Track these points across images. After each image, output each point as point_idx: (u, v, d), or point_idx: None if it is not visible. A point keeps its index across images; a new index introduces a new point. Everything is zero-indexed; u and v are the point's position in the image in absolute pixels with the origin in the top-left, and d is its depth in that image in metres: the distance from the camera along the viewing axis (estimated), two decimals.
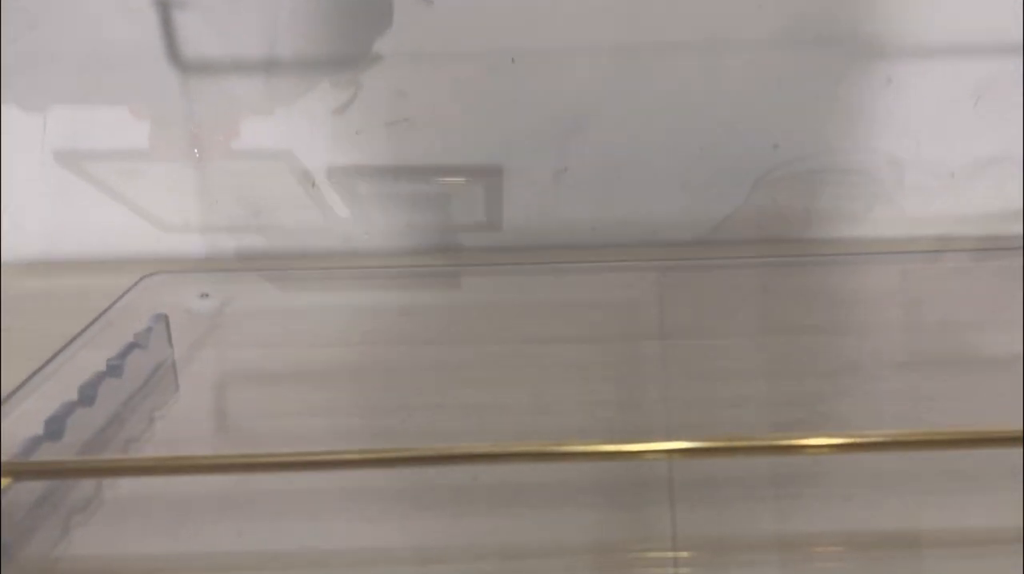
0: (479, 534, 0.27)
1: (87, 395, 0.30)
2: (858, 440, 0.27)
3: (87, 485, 0.28)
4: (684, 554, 0.26)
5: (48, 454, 0.28)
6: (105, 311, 0.41)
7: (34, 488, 0.27)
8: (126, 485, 0.29)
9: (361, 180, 0.50)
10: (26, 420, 0.31)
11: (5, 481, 0.25)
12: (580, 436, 0.32)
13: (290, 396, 0.36)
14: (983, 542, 0.27)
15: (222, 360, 0.40)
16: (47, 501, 0.28)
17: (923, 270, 0.47)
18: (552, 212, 0.53)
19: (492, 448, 0.26)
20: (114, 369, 0.32)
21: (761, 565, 0.26)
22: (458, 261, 0.50)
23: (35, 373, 0.35)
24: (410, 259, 0.51)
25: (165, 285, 0.46)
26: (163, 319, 0.37)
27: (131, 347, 0.34)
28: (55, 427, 0.28)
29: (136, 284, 0.45)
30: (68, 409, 0.29)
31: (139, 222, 0.52)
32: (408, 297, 0.46)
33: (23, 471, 0.26)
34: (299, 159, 0.50)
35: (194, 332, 0.41)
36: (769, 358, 0.38)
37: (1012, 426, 0.26)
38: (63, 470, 0.27)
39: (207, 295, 0.44)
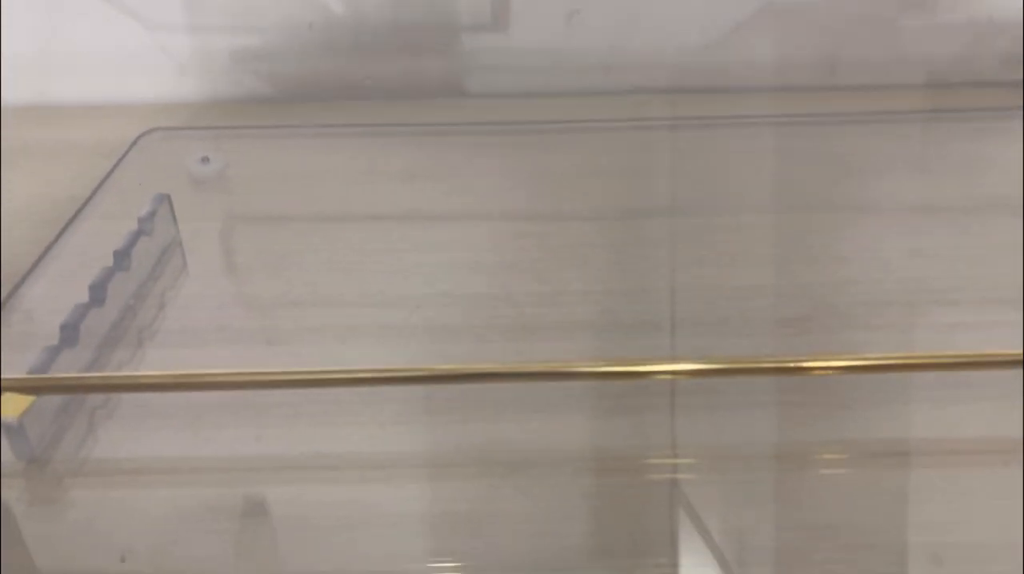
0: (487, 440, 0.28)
1: (98, 295, 0.30)
2: (862, 362, 0.27)
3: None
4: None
5: (67, 360, 0.28)
6: (106, 177, 0.41)
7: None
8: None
9: None
10: (40, 314, 0.32)
11: (28, 399, 0.26)
12: (582, 327, 0.33)
13: (299, 276, 0.36)
14: (981, 451, 0.28)
15: (228, 235, 0.39)
16: (71, 405, 0.29)
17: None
18: (563, 56, 0.51)
19: (502, 368, 0.27)
20: (122, 262, 0.32)
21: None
22: (462, 116, 0.48)
23: (40, 258, 0.35)
24: (412, 107, 0.50)
25: (164, 144, 0.45)
26: (165, 199, 0.36)
27: (136, 235, 0.34)
28: (70, 334, 0.29)
29: (135, 143, 0.44)
30: (81, 312, 0.29)
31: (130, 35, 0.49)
32: (409, 159, 0.44)
33: (43, 387, 0.27)
34: None
35: (198, 202, 0.41)
36: (779, 239, 0.38)
37: (1013, 350, 0.26)
38: (82, 386, 0.28)
39: (208, 159, 0.43)
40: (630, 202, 0.41)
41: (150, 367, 0.31)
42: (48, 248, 0.35)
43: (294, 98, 0.51)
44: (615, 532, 0.25)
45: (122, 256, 0.33)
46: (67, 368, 0.28)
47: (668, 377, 0.27)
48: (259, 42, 0.50)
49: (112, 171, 0.41)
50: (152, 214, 0.35)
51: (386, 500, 0.27)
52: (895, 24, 0.49)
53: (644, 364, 0.27)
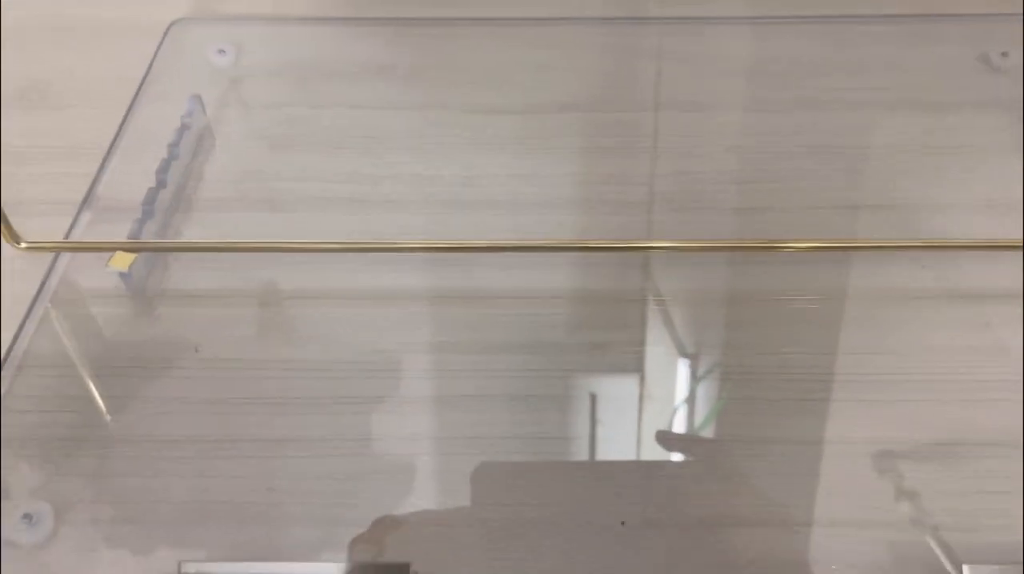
0: None
1: (161, 179, 0.46)
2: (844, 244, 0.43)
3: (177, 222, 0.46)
4: None
5: (148, 228, 0.44)
6: (148, 71, 0.55)
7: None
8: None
9: None
10: (121, 193, 0.47)
11: (131, 256, 0.42)
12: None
13: (295, 155, 0.51)
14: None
15: (245, 119, 0.54)
16: (155, 257, 0.45)
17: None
18: None
19: (509, 243, 0.42)
20: (173, 152, 0.47)
21: None
22: (460, 11, 0.60)
23: (112, 146, 0.50)
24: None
25: (189, 32, 0.58)
26: (198, 99, 0.51)
27: (181, 130, 0.49)
28: (148, 209, 0.44)
29: (166, 36, 0.57)
30: (152, 194, 0.45)
31: None
32: (396, 55, 0.57)
33: (138, 248, 0.43)
34: None
35: (219, 92, 0.55)
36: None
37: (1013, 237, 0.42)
38: (162, 247, 0.44)
39: (224, 51, 0.56)
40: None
41: (197, 226, 0.47)
42: (116, 135, 0.50)
43: None
44: None
45: (173, 147, 0.47)
46: (149, 234, 0.44)
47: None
48: None
49: (151, 63, 0.55)
50: (190, 112, 0.50)
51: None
52: None
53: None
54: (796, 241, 0.42)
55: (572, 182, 0.49)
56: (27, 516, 0.35)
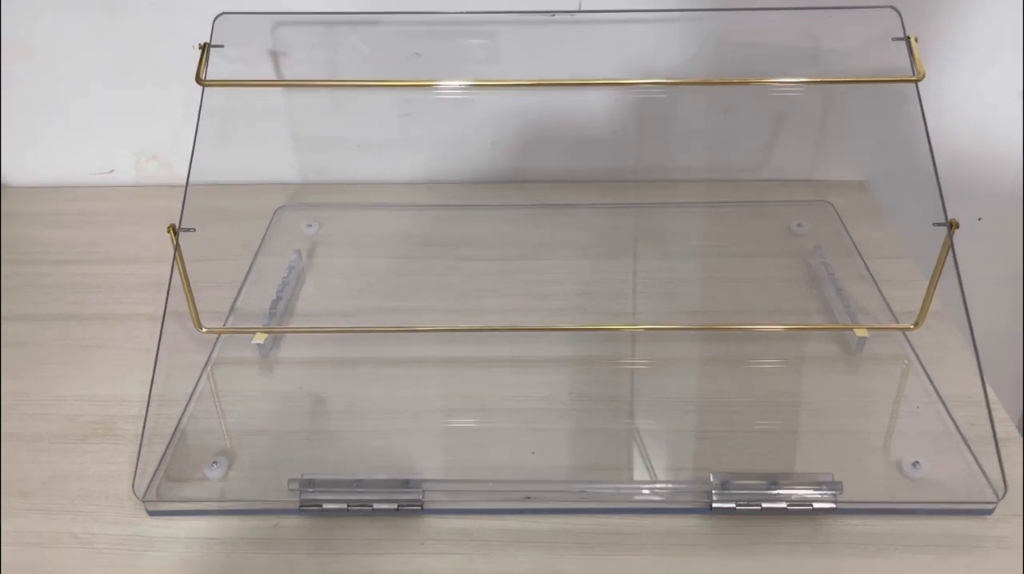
0: None
1: (279, 296, 0.77)
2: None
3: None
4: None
5: (272, 321, 0.75)
6: (263, 241, 0.87)
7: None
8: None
9: None
10: (252, 308, 0.78)
11: (263, 336, 0.72)
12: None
13: (354, 299, 0.82)
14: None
15: (324, 269, 0.86)
16: (276, 338, 0.75)
17: None
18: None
19: (515, 324, 0.73)
20: (284, 284, 0.79)
21: None
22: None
23: (242, 285, 0.81)
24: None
25: (288, 216, 0.91)
26: (299, 253, 0.83)
27: (290, 270, 0.80)
28: (273, 313, 0.75)
29: (273, 217, 0.91)
30: (272, 308, 0.76)
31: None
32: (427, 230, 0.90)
33: (269, 332, 0.73)
34: None
35: (309, 249, 0.87)
36: None
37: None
38: (281, 332, 0.75)
39: (311, 225, 0.89)
40: None
41: (298, 322, 0.77)
42: (247, 273, 0.82)
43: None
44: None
45: (284, 282, 0.79)
46: (273, 325, 0.75)
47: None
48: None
49: (265, 234, 0.88)
50: (296, 261, 0.82)
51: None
52: None
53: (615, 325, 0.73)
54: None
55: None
56: (214, 462, 0.63)
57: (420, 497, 0.59)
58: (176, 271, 0.67)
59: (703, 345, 0.74)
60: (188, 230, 0.67)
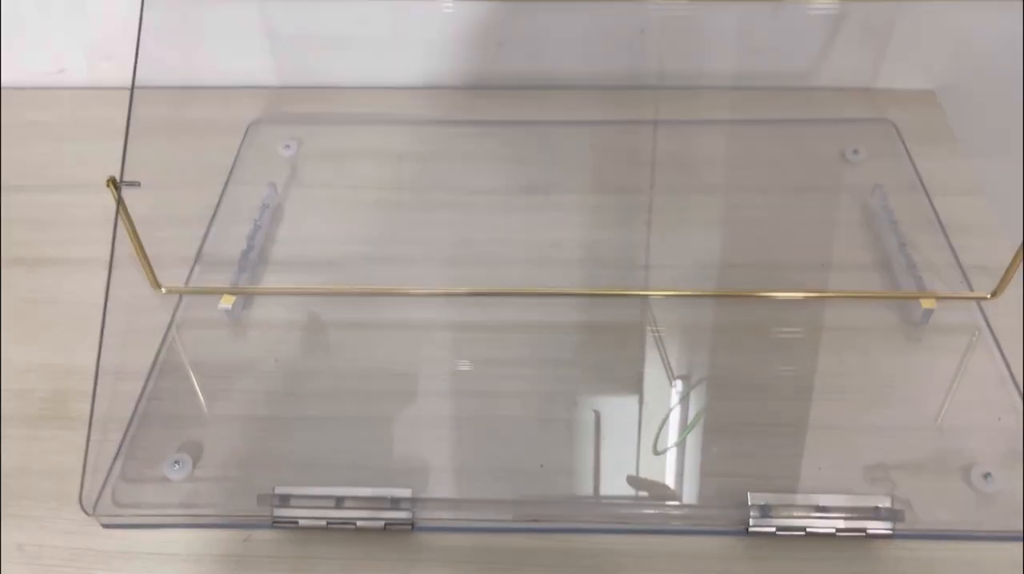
0: None
1: (249, 244, 0.67)
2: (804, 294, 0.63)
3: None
4: None
5: (242, 277, 0.65)
6: (233, 166, 0.76)
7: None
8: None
9: None
10: (221, 253, 0.68)
11: (233, 298, 0.62)
12: None
13: (342, 227, 0.71)
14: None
15: (306, 199, 0.75)
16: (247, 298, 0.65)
17: None
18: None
19: (519, 290, 0.63)
20: (257, 222, 0.68)
21: None
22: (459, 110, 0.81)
23: (211, 220, 0.70)
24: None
25: (263, 133, 0.79)
26: (273, 187, 0.72)
27: (263, 207, 0.69)
28: (242, 266, 0.65)
29: (246, 135, 0.79)
30: (245, 253, 0.66)
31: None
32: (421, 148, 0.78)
33: (238, 292, 0.63)
34: None
35: (288, 178, 0.75)
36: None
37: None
38: (255, 292, 0.65)
39: (289, 146, 0.77)
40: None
41: (274, 278, 0.67)
42: (215, 211, 0.71)
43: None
44: None
45: (256, 221, 0.68)
46: (244, 281, 0.65)
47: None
48: None
49: (237, 155, 0.76)
50: (271, 194, 0.71)
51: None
52: None
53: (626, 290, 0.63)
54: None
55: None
56: (176, 462, 0.55)
57: (410, 516, 0.51)
58: (123, 227, 0.57)
59: (731, 310, 0.64)
60: (132, 184, 0.56)
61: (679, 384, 0.59)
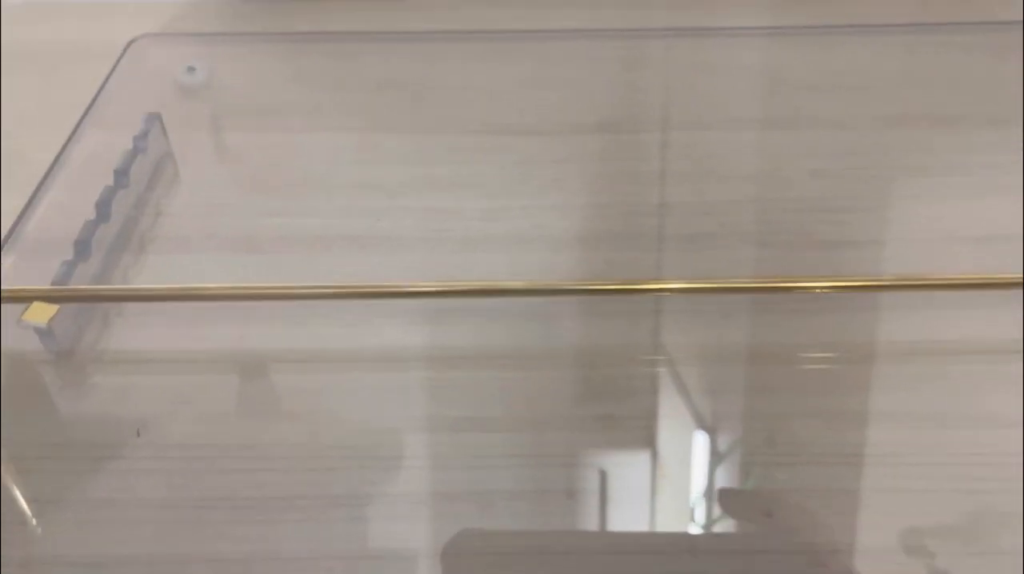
0: None
1: (103, 212, 0.36)
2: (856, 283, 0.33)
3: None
4: None
5: (82, 272, 0.34)
6: (100, 90, 0.45)
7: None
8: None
9: None
10: (53, 229, 0.37)
11: (53, 308, 0.32)
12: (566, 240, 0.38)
13: (277, 188, 0.41)
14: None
15: (216, 146, 0.44)
16: (89, 308, 0.35)
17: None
18: None
19: (505, 286, 0.32)
20: (121, 179, 0.38)
21: None
22: (445, 23, 0.51)
23: (48, 173, 0.40)
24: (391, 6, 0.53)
25: (151, 50, 0.49)
26: (157, 119, 0.41)
27: (133, 154, 0.39)
28: (83, 248, 0.34)
29: (125, 51, 0.48)
30: (90, 228, 0.35)
31: None
32: (384, 68, 0.48)
33: (64, 298, 0.32)
34: None
35: (186, 114, 0.45)
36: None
37: (1013, 274, 0.32)
38: (96, 296, 0.34)
39: (194, 69, 0.47)
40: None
41: (151, 272, 0.37)
42: (54, 162, 0.40)
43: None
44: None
45: (121, 174, 0.38)
46: (83, 278, 0.34)
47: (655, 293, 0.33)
48: None
49: (105, 82, 0.46)
50: (145, 133, 0.40)
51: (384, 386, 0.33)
52: None
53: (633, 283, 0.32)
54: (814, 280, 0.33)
55: (572, 214, 0.39)
56: None
57: None
58: None
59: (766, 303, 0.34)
60: None
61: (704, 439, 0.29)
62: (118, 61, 0.47)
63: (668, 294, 0.35)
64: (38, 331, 0.32)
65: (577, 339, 0.34)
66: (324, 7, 0.53)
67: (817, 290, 0.33)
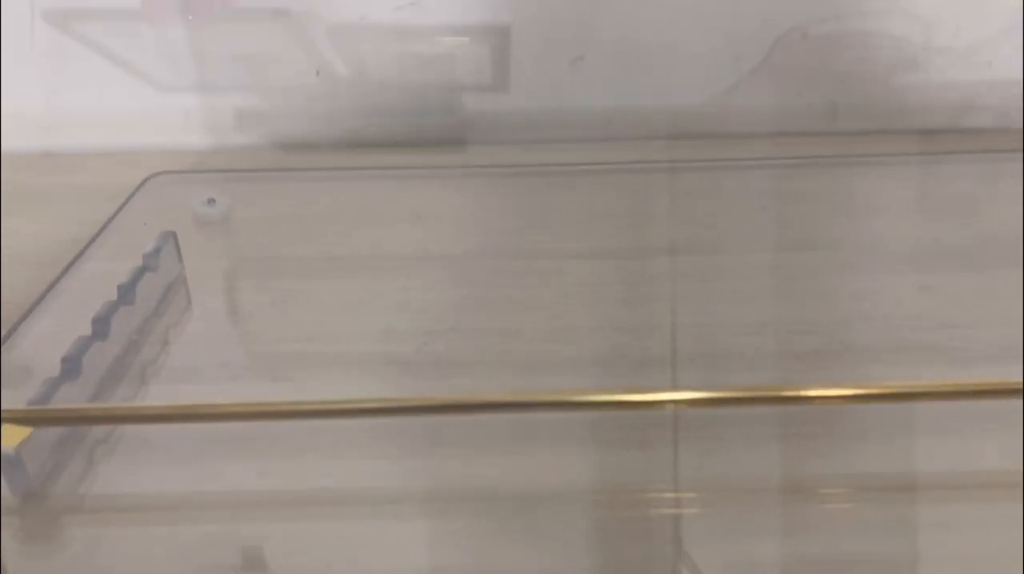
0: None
1: (101, 329, 0.30)
2: (863, 391, 0.26)
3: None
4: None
5: (68, 394, 0.28)
6: (112, 218, 0.41)
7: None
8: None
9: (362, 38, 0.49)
10: (41, 349, 0.31)
11: (26, 431, 0.25)
12: (592, 362, 0.33)
13: (305, 314, 0.36)
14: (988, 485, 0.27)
15: (234, 274, 0.39)
16: (71, 438, 0.28)
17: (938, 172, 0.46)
18: (567, 102, 0.51)
19: (506, 397, 0.26)
20: (126, 296, 0.32)
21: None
22: (466, 160, 0.48)
23: (43, 295, 0.34)
24: (416, 153, 0.50)
25: (170, 187, 0.45)
26: (171, 237, 0.36)
27: (141, 271, 0.34)
28: (71, 366, 0.28)
29: (141, 186, 0.44)
30: (83, 345, 0.29)
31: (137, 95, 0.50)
32: (416, 200, 0.44)
33: (42, 419, 0.26)
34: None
35: (203, 242, 0.41)
36: (782, 277, 0.37)
37: (1013, 379, 0.26)
38: (80, 417, 0.27)
39: (214, 201, 0.43)
40: (632, 241, 0.41)
41: (153, 402, 0.31)
42: (52, 285, 0.35)
43: (299, 148, 0.52)
44: (619, 563, 0.24)
45: (126, 290, 0.32)
46: (68, 401, 0.28)
47: (671, 407, 0.27)
48: (265, 101, 0.51)
49: (117, 212, 0.41)
50: (157, 251, 0.35)
51: (392, 535, 0.26)
52: (892, 80, 0.50)
53: (647, 393, 0.26)
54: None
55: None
56: None
57: None
58: None
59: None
60: None
61: None
62: (132, 195, 0.43)
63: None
64: (5, 460, 0.25)
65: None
66: (353, 155, 0.50)
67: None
